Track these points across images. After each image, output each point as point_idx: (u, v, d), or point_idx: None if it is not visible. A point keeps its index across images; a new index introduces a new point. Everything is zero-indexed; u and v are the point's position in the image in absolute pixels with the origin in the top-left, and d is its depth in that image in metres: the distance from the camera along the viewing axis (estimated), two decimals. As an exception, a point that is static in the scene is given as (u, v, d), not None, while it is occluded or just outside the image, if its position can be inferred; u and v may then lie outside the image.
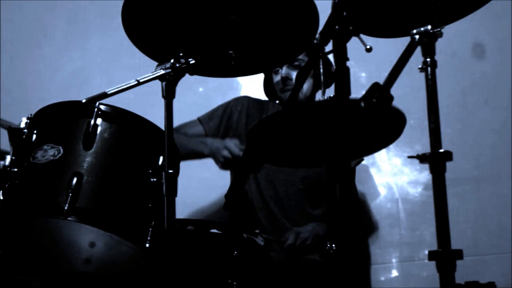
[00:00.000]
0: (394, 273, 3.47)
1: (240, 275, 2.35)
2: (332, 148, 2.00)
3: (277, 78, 3.16)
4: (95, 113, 2.16)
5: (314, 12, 2.12)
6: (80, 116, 2.18)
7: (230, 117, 3.21)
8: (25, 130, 2.20)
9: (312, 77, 3.09)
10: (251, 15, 2.23)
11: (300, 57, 3.01)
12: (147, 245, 2.10)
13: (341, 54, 1.77)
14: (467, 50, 3.52)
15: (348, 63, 1.77)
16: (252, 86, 3.61)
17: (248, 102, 3.25)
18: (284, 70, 3.10)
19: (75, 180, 2.07)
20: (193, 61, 2.10)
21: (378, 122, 1.85)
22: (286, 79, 3.10)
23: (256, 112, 3.22)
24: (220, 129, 3.20)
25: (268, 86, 3.29)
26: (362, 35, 1.83)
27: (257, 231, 2.71)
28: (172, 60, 2.06)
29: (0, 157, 2.21)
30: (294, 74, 3.07)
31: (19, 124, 2.23)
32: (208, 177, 3.39)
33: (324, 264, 2.17)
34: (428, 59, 1.85)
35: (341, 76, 1.76)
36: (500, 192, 3.41)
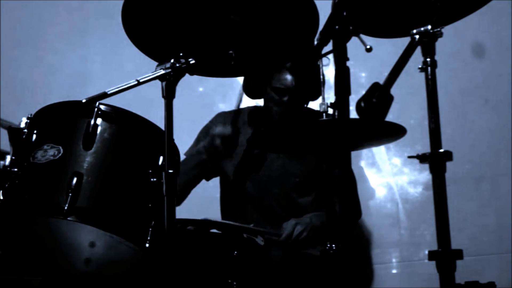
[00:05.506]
0: (394, 273, 3.46)
1: (240, 275, 2.35)
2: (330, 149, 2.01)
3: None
4: (95, 113, 2.15)
5: (314, 12, 2.12)
6: (80, 116, 2.18)
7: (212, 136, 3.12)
8: (25, 130, 2.20)
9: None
10: (251, 15, 2.23)
11: None
12: (147, 245, 2.10)
13: (341, 54, 1.78)
14: (467, 50, 3.51)
15: (348, 63, 1.77)
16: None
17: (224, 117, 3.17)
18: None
19: (75, 180, 2.07)
20: (193, 61, 2.11)
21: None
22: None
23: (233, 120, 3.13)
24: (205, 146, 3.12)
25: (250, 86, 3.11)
26: (362, 35, 1.83)
27: (251, 225, 2.71)
28: (172, 60, 2.06)
29: (0, 157, 2.21)
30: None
31: (19, 124, 2.22)
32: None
33: (322, 259, 2.16)
34: (428, 59, 1.85)
35: (341, 76, 1.76)
36: (500, 192, 3.41)
